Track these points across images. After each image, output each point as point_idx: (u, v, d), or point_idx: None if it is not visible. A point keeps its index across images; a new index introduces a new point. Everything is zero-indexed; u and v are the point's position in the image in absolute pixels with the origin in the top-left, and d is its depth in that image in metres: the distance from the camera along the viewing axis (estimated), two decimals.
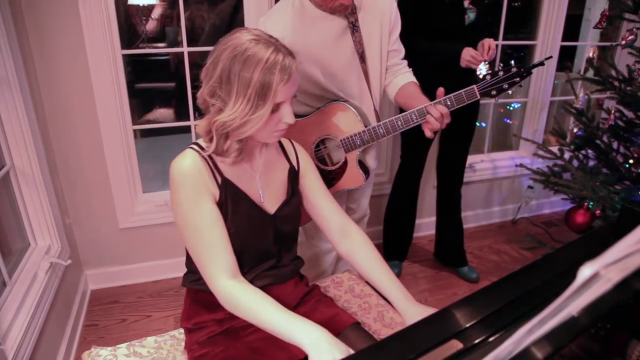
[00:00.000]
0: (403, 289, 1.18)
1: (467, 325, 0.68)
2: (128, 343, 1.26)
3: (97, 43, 2.05)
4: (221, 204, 1.08)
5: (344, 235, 1.27)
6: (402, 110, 1.63)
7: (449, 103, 1.48)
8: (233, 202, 1.09)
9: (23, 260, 1.85)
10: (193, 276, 1.18)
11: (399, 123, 1.54)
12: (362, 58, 1.59)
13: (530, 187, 3.13)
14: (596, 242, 0.97)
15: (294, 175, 1.24)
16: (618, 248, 0.39)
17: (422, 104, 1.49)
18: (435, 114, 1.45)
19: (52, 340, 1.85)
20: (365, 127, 1.59)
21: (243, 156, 1.11)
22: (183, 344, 1.25)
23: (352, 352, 0.93)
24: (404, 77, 1.67)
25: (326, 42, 1.54)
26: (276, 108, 1.03)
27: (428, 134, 1.50)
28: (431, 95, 1.54)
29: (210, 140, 1.06)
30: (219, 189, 1.08)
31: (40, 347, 1.68)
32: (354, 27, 1.54)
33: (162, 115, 4.25)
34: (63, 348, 1.93)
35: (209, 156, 1.08)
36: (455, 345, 0.65)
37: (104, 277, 2.47)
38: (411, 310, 1.12)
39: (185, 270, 1.23)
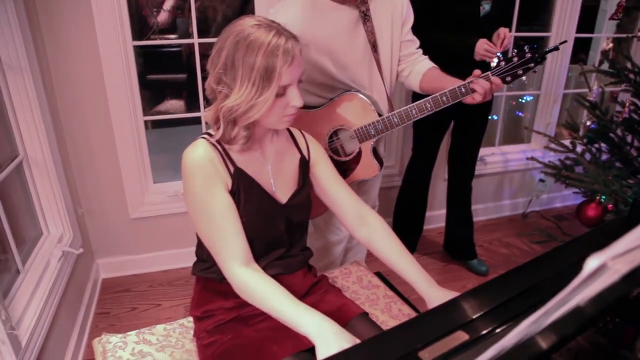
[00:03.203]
0: (425, 274, 1.19)
1: (474, 316, 0.68)
2: (137, 330, 1.27)
3: (109, 34, 2.06)
4: (233, 193, 1.09)
5: (361, 221, 1.27)
6: (415, 100, 1.62)
7: (463, 90, 1.47)
8: (245, 191, 1.10)
9: (36, 248, 1.88)
10: (203, 264, 1.20)
11: (413, 112, 1.53)
12: (374, 48, 1.58)
13: (541, 180, 3.10)
14: (607, 235, 0.96)
15: (304, 165, 1.24)
16: (626, 240, 0.38)
17: (452, 85, 1.48)
18: (484, 87, 1.43)
19: (65, 327, 1.88)
20: (379, 116, 1.58)
21: (251, 144, 1.12)
22: (192, 332, 1.27)
23: (357, 342, 0.94)
24: (423, 64, 1.66)
25: (338, 33, 1.53)
26: (282, 91, 1.03)
27: (470, 100, 1.49)
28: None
29: (219, 128, 1.07)
30: (232, 178, 1.09)
31: (53, 333, 1.71)
32: (366, 17, 1.53)
33: (173, 107, 4.27)
34: (75, 334, 1.96)
35: (221, 145, 1.09)
36: (462, 336, 0.65)
37: (115, 266, 2.50)
38: (435, 294, 1.13)
39: (195, 259, 1.25)
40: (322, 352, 0.90)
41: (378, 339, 0.71)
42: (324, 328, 0.94)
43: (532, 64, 1.46)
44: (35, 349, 1.50)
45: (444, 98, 1.49)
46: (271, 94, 1.01)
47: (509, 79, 1.48)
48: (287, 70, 1.00)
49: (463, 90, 1.47)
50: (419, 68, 1.65)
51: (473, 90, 1.46)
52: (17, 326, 1.46)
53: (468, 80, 1.47)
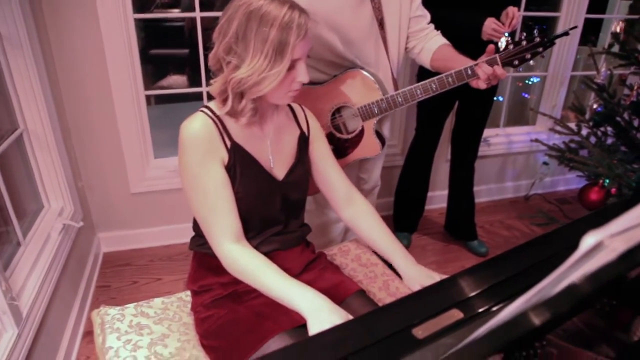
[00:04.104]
0: (404, 251, 1.19)
1: (470, 295, 0.68)
2: (136, 303, 1.28)
3: (109, 6, 2.03)
4: (230, 168, 1.08)
5: (348, 202, 1.28)
6: (419, 79, 1.59)
7: (469, 72, 1.44)
8: (242, 167, 1.09)
9: (37, 221, 1.89)
10: (199, 240, 1.20)
11: (418, 92, 1.51)
12: (380, 25, 1.55)
13: (545, 163, 3.08)
14: (608, 217, 0.95)
15: (303, 141, 1.23)
16: (624, 219, 0.37)
17: (463, 65, 1.45)
18: (487, 72, 1.41)
19: (66, 299, 1.90)
20: (383, 95, 1.56)
21: (257, 118, 1.11)
22: (189, 305, 1.28)
23: (350, 318, 0.94)
24: (434, 40, 1.62)
25: (345, 8, 1.50)
26: (292, 65, 1.03)
27: (475, 85, 1.48)
28: None
29: (224, 100, 1.06)
30: (228, 153, 1.08)
31: (54, 305, 1.73)
32: None
33: (176, 82, 4.24)
34: (76, 307, 1.98)
35: (220, 120, 1.08)
36: (456, 314, 0.65)
37: (116, 240, 2.51)
38: (412, 272, 1.14)
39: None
40: (314, 327, 0.90)
41: (372, 315, 0.71)
42: (317, 303, 0.94)
43: (541, 48, 1.43)
44: (36, 320, 1.51)
45: (450, 79, 1.47)
46: (283, 67, 1.00)
47: (516, 62, 1.46)
48: (299, 44, 1.00)
49: (469, 72, 1.45)
50: (430, 45, 1.62)
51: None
52: (18, 297, 1.48)
53: (479, 60, 1.44)
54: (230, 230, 1.05)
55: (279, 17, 0.97)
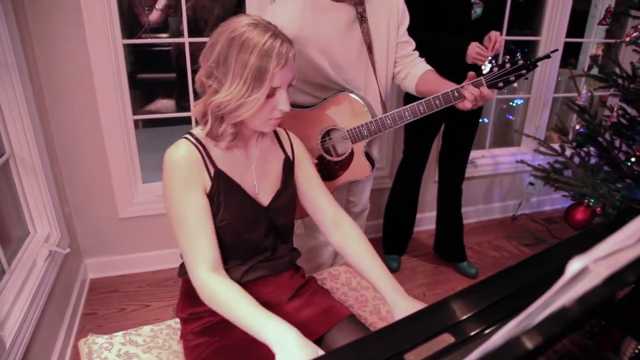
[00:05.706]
0: (394, 282, 1.17)
1: (461, 319, 0.68)
2: (124, 332, 1.26)
3: (98, 32, 2.04)
4: (213, 195, 1.08)
5: (336, 227, 1.26)
6: (406, 102, 1.62)
7: (456, 94, 1.47)
8: (226, 194, 1.09)
9: (22, 248, 1.85)
10: None
11: (406, 114, 1.54)
12: (369, 49, 1.59)
13: (531, 183, 3.13)
14: (594, 238, 0.96)
15: (288, 166, 1.24)
16: (608, 243, 0.38)
17: (448, 88, 1.48)
18: (474, 93, 1.45)
19: (51, 328, 1.86)
20: (373, 117, 1.59)
21: (237, 143, 1.12)
22: (179, 333, 1.26)
23: (321, 353, 0.92)
24: (419, 66, 1.67)
25: (335, 32, 1.53)
26: (272, 93, 1.03)
27: (461, 106, 1.51)
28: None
29: (205, 123, 1.07)
30: (212, 180, 1.08)
31: (39, 334, 1.69)
32: (362, 18, 1.54)
33: (164, 106, 4.25)
34: (62, 335, 1.94)
35: (203, 146, 1.08)
36: (448, 338, 0.65)
37: (104, 266, 2.47)
38: (401, 304, 1.11)
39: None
40: None
41: (364, 340, 0.70)
42: (285, 336, 0.91)
43: (524, 71, 1.47)
44: (20, 351, 1.47)
45: (437, 102, 1.50)
46: (262, 94, 1.01)
47: (501, 84, 1.50)
48: (279, 73, 1.01)
49: (456, 94, 1.48)
50: (415, 71, 1.66)
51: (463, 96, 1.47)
52: (2, 327, 1.44)
53: (463, 84, 1.48)
54: (207, 258, 1.04)
55: (259, 44, 0.98)
